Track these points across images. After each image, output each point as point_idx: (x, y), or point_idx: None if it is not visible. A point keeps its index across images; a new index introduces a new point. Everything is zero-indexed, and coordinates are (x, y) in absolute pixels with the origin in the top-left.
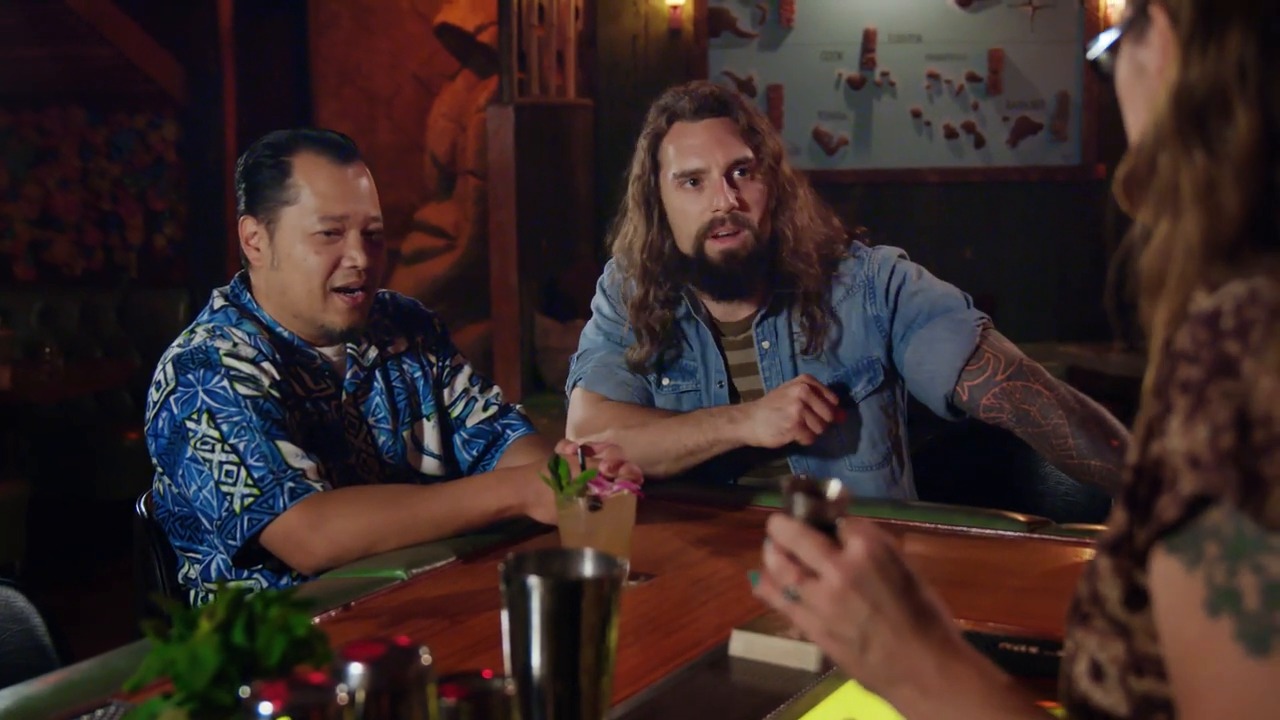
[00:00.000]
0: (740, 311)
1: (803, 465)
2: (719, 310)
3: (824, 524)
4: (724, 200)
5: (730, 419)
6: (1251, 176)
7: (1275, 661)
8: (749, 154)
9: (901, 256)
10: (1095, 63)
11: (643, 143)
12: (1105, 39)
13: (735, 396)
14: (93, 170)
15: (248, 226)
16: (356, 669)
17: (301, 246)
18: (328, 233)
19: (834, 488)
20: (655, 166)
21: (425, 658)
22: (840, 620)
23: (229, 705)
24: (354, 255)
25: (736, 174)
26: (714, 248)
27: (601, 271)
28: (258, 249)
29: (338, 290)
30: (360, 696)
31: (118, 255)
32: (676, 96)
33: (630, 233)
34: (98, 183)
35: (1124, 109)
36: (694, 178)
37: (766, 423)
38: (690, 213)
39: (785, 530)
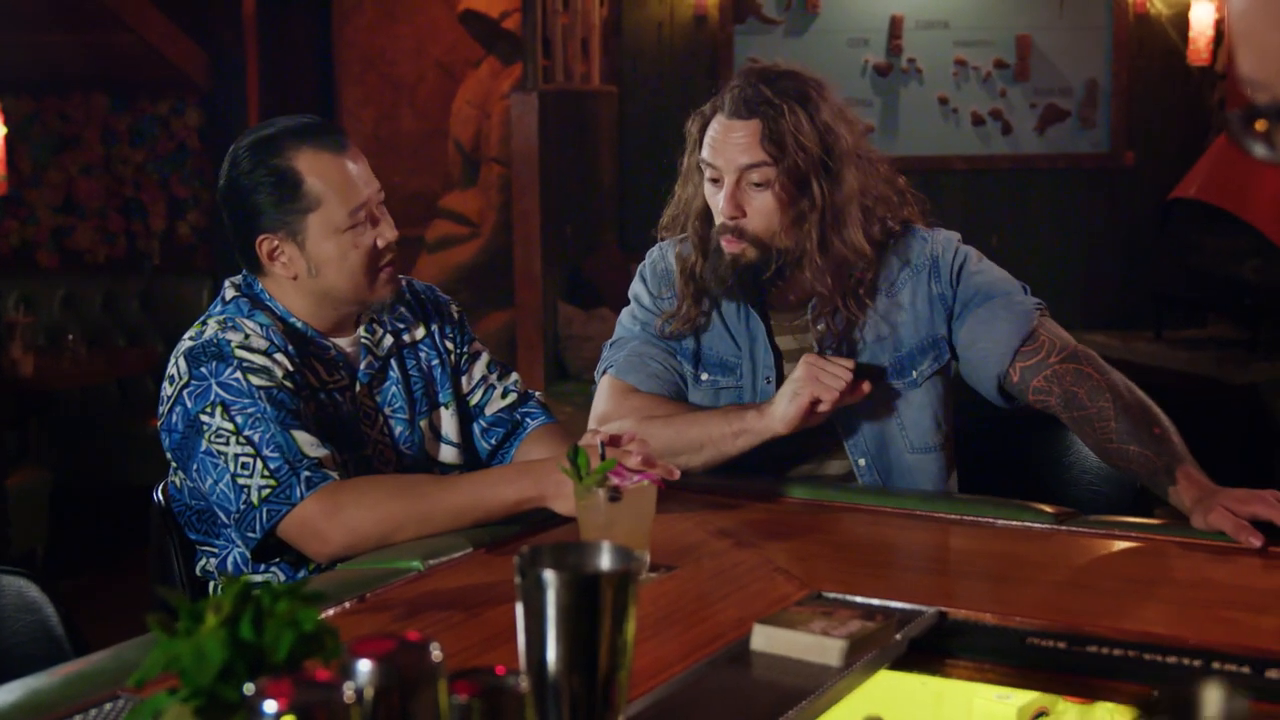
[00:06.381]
0: (792, 296)
1: (861, 449)
2: (775, 298)
3: None
4: (727, 207)
5: (758, 410)
6: None
7: None
8: (764, 166)
9: (960, 240)
10: None
11: (697, 120)
12: None
13: None
14: (115, 157)
15: (266, 245)
16: (365, 665)
17: (336, 246)
18: (355, 225)
19: None
20: (701, 149)
21: (436, 653)
22: None
23: (235, 702)
24: (385, 234)
25: (747, 184)
26: (723, 246)
27: (624, 258)
28: (286, 262)
29: (379, 269)
30: (368, 694)
31: (140, 242)
32: (733, 85)
33: (688, 198)
34: (121, 169)
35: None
36: (714, 177)
37: (783, 396)
38: (715, 206)
39: None
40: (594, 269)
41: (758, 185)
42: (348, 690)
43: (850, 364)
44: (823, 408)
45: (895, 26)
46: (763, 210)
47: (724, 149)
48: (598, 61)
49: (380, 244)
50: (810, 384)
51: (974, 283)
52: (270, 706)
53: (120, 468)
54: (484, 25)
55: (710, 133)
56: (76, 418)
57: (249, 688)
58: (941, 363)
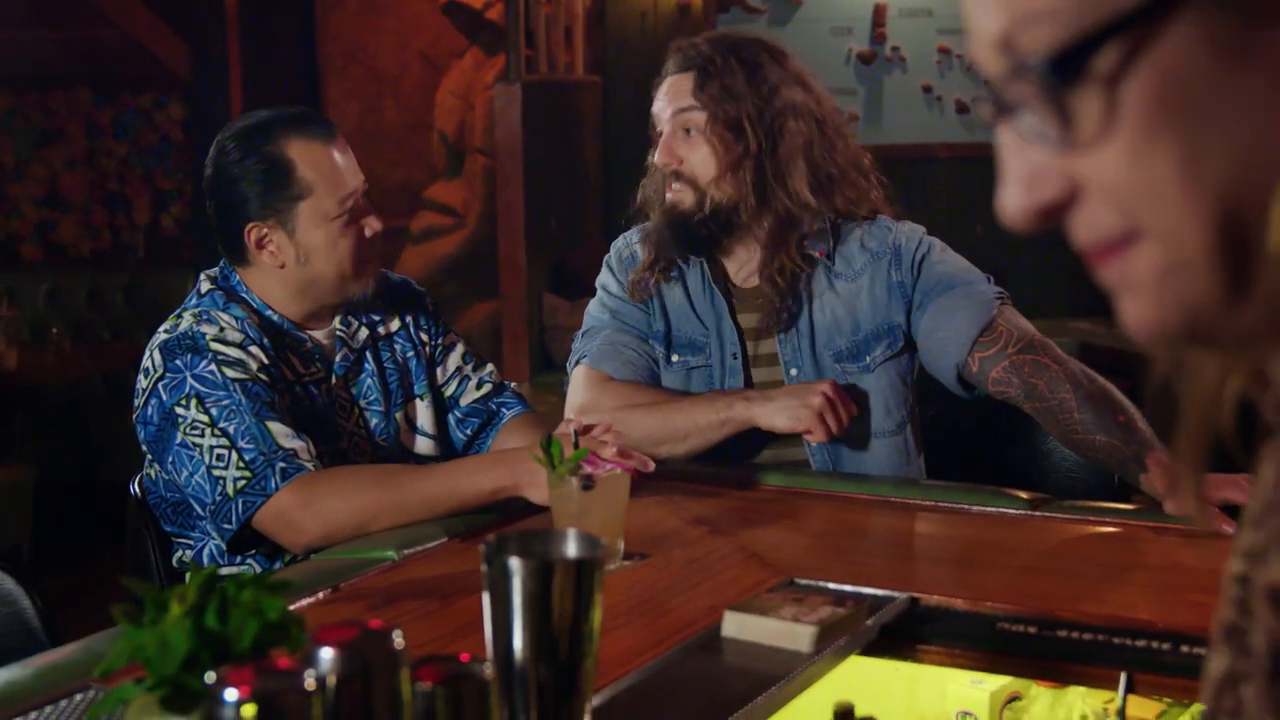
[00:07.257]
0: (752, 275)
1: None
2: (736, 274)
3: None
4: (662, 155)
5: (746, 400)
6: None
7: None
8: (694, 111)
9: (925, 233)
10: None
11: (657, 85)
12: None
13: (749, 366)
14: (99, 150)
15: (255, 233)
16: (327, 653)
17: (326, 234)
18: (344, 214)
19: None
20: None
21: (399, 641)
22: None
23: (201, 691)
24: (372, 224)
25: (681, 132)
26: (668, 196)
27: (609, 249)
28: (274, 250)
29: (366, 259)
30: (330, 681)
31: (125, 235)
32: (677, 44)
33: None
34: (104, 163)
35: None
36: (659, 129)
37: (784, 409)
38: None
39: None
40: (579, 259)
41: (689, 133)
42: (309, 678)
43: (854, 413)
44: (811, 438)
45: (879, 14)
46: (696, 156)
47: (662, 100)
48: (581, 52)
49: (368, 233)
50: (813, 420)
51: (935, 273)
52: (231, 695)
53: (106, 462)
54: (467, 16)
55: (657, 92)
56: (61, 412)
57: (210, 676)
58: (895, 350)
